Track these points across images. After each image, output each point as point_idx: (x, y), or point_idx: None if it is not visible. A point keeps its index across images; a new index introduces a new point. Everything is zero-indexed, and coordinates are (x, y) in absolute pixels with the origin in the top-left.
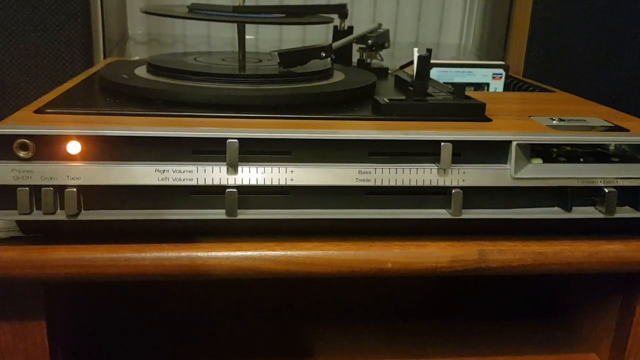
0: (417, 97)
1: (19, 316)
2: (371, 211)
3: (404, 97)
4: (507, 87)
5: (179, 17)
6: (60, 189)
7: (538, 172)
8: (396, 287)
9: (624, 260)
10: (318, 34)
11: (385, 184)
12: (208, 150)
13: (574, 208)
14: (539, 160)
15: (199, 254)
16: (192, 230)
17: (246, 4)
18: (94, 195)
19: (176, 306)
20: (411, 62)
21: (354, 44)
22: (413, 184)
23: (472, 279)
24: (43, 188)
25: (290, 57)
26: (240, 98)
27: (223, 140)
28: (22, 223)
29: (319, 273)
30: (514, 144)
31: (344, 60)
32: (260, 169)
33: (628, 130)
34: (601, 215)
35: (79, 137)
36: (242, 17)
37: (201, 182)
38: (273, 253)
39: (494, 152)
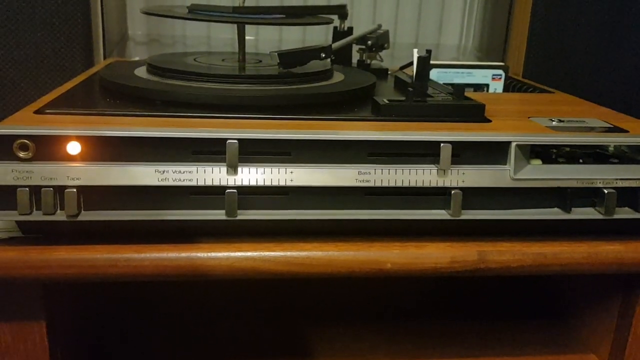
0: (416, 98)
1: (19, 316)
2: (371, 212)
3: (403, 98)
4: (506, 88)
5: (179, 17)
6: (60, 190)
7: (537, 173)
8: (395, 288)
9: (623, 261)
10: (318, 35)
11: (385, 184)
12: (208, 150)
13: (573, 209)
14: (538, 161)
15: (199, 254)
16: (192, 230)
17: (246, 4)
18: (93, 195)
19: (176, 306)
20: (411, 63)
21: (353, 45)
22: (412, 184)
23: (472, 280)
24: (43, 188)
25: (290, 58)
26: (240, 99)
27: (223, 140)
28: (22, 223)
29: (318, 273)
30: (513, 144)
31: (344, 61)
32: (260, 170)
33: (627, 132)
34: (600, 216)
35: (79, 138)
36: (242, 17)
37: (201, 183)
38: (273, 254)
39: (494, 153)
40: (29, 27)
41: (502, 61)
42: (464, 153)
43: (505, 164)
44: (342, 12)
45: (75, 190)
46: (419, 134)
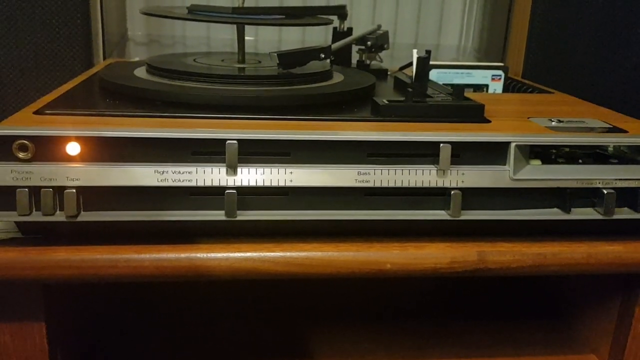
0: (416, 98)
1: (19, 317)
2: (370, 212)
3: (403, 99)
4: (506, 89)
5: (179, 18)
6: (59, 190)
7: (537, 174)
8: (395, 288)
9: (623, 261)
10: (317, 35)
11: (385, 185)
12: (207, 151)
13: (572, 209)
14: (537, 162)
15: (199, 255)
16: (191, 231)
17: (245, 5)
18: (93, 196)
19: (176, 307)
20: (410, 64)
21: (353, 45)
22: (412, 185)
23: (471, 280)
24: (42, 189)
25: (290, 59)
26: (239, 99)
27: (222, 141)
28: (21, 224)
29: (318, 274)
30: (512, 145)
31: (343, 61)
32: (260, 170)
33: (627, 132)
34: (600, 217)
35: (78, 138)
36: (241, 18)
37: (200, 183)
38: (272, 254)
39: (493, 153)
40: (28, 28)
41: (501, 62)
42: (464, 153)
43: (505, 165)
44: (341, 12)
45: (74, 190)
46: (418, 134)
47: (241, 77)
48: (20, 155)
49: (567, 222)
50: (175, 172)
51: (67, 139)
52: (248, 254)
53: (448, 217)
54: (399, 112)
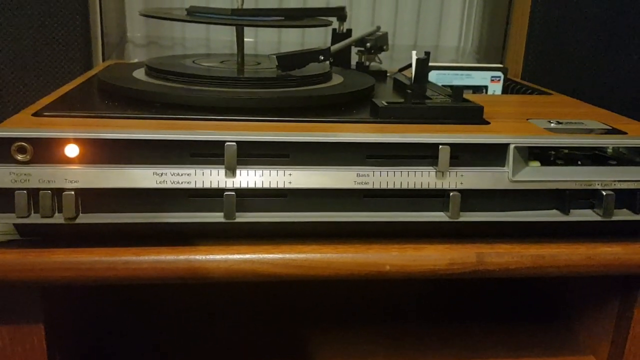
0: (415, 100)
1: (17, 319)
2: (369, 214)
3: (402, 100)
4: (505, 90)
5: (178, 20)
6: (58, 192)
7: (536, 175)
8: (394, 290)
9: (622, 262)
10: (317, 37)
11: (384, 186)
12: (206, 153)
13: (571, 211)
14: (536, 163)
15: (197, 257)
16: (190, 233)
17: (245, 6)
18: (92, 198)
19: (174, 309)
20: (410, 65)
21: (352, 47)
22: (411, 186)
23: (470, 282)
24: (41, 191)
25: (289, 60)
26: (238, 101)
27: (221, 143)
28: (19, 226)
29: (317, 276)
30: (511, 146)
31: (343, 63)
32: (259, 172)
33: (626, 133)
34: (599, 218)
35: (77, 140)
36: (240, 20)
37: (199, 185)
38: (271, 256)
39: (492, 154)
40: (27, 29)
41: (500, 63)
42: (463, 155)
43: (504, 166)
44: (341, 14)
45: (73, 192)
46: (417, 136)
47: (240, 79)
48: (19, 157)
49: (566, 223)
50: (174, 174)
51: (66, 140)
52: (247, 256)
53: (447, 219)
54: (398, 114)
